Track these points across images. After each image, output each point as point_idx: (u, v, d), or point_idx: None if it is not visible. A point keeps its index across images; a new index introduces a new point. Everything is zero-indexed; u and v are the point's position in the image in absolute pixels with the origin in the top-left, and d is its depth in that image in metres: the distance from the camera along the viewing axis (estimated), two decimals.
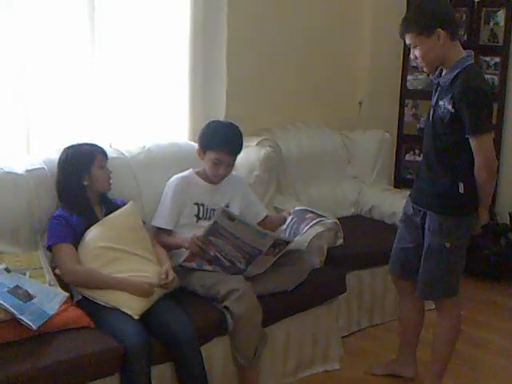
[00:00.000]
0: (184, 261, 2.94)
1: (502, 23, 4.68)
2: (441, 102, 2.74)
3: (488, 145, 2.71)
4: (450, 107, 2.69)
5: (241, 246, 2.91)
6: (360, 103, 4.81)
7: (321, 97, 4.59)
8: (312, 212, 3.49)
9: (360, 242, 3.76)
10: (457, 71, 2.70)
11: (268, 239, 2.92)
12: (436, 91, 2.82)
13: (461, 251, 2.89)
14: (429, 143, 2.85)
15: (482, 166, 2.72)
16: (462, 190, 2.76)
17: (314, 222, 3.41)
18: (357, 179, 4.47)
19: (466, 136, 2.69)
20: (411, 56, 2.81)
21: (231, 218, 2.87)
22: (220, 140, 3.06)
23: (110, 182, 2.97)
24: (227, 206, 3.08)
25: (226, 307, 2.80)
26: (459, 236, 2.85)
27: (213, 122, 3.24)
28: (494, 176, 2.81)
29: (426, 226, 2.89)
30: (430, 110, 2.85)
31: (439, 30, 2.67)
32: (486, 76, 4.75)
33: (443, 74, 2.78)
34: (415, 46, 2.74)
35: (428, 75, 2.90)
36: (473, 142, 2.69)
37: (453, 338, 3.03)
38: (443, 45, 2.70)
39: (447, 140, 2.77)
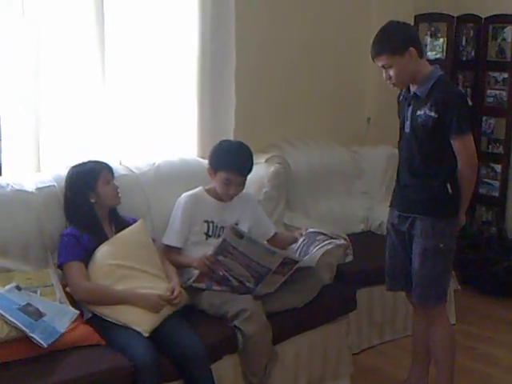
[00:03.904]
0: (194, 281, 2.95)
1: (510, 39, 4.69)
2: (419, 112, 2.87)
3: (471, 144, 2.88)
4: (432, 114, 2.83)
5: (249, 265, 2.90)
6: (368, 119, 4.82)
7: (329, 113, 4.60)
8: (324, 234, 3.47)
9: (370, 258, 3.74)
10: (432, 82, 2.85)
11: (277, 257, 2.91)
12: (409, 104, 2.94)
13: (451, 253, 2.99)
14: (411, 152, 2.95)
15: (466, 165, 2.87)
16: (450, 191, 2.89)
17: (324, 243, 3.40)
18: (366, 195, 4.45)
19: (452, 137, 2.82)
20: (384, 76, 2.91)
21: (240, 235, 2.87)
22: (230, 161, 3.07)
23: (119, 195, 2.98)
24: (236, 224, 3.08)
25: (236, 326, 2.79)
26: (450, 237, 2.96)
27: (224, 141, 3.24)
28: (476, 174, 3.00)
29: (417, 231, 2.95)
30: (405, 122, 2.97)
31: (411, 48, 2.82)
32: (495, 91, 4.79)
33: (413, 87, 2.92)
34: (389, 67, 2.85)
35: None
36: (457, 143, 2.84)
37: (449, 345, 3.05)
38: (415, 62, 2.84)
39: (431, 145, 2.90)
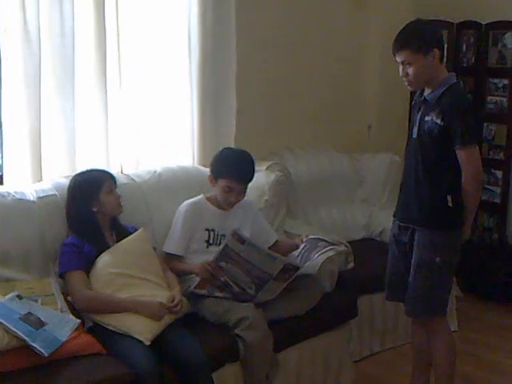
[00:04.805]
0: (195, 287, 2.94)
1: (510, 45, 4.69)
2: (427, 118, 2.82)
3: (476, 156, 2.80)
4: (438, 121, 2.78)
5: (251, 271, 2.90)
6: (369, 127, 4.83)
7: (330, 120, 4.61)
8: (324, 241, 3.48)
9: (371, 265, 3.74)
10: (443, 88, 2.80)
11: (278, 263, 2.91)
12: (419, 109, 2.90)
13: (450, 267, 2.93)
14: (415, 159, 2.90)
15: (470, 177, 2.80)
16: (450, 204, 2.83)
17: (325, 249, 3.40)
18: (367, 202, 4.46)
19: (456, 147, 2.76)
20: (400, 73, 2.85)
21: (242, 240, 2.87)
22: (232, 168, 3.07)
23: (121, 205, 2.98)
24: None
25: (237, 334, 2.79)
26: (449, 251, 2.89)
27: (225, 149, 3.25)
28: (481, 187, 2.92)
29: (415, 242, 2.91)
30: (412, 128, 2.92)
31: (435, 50, 2.78)
32: (495, 98, 4.78)
33: (426, 92, 2.87)
34: (409, 64, 2.80)
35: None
36: (462, 154, 2.78)
37: (450, 358, 3.01)
38: (435, 65, 2.80)
39: (435, 154, 2.84)
